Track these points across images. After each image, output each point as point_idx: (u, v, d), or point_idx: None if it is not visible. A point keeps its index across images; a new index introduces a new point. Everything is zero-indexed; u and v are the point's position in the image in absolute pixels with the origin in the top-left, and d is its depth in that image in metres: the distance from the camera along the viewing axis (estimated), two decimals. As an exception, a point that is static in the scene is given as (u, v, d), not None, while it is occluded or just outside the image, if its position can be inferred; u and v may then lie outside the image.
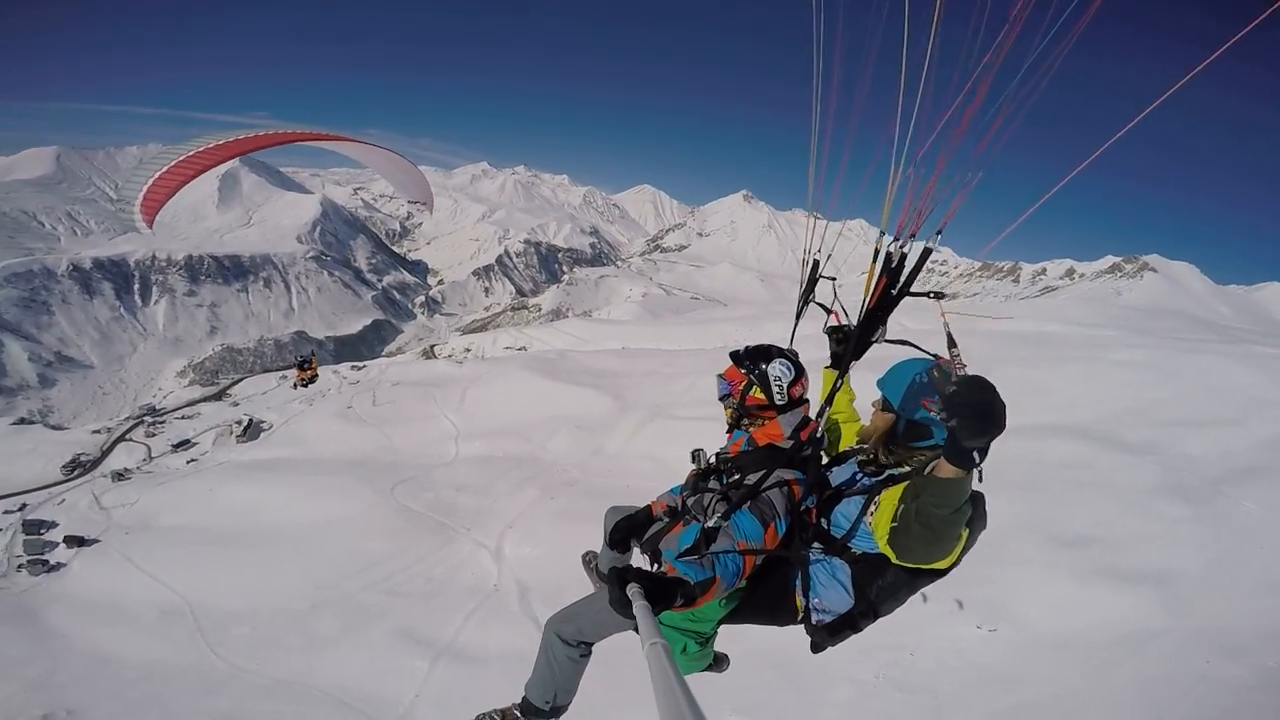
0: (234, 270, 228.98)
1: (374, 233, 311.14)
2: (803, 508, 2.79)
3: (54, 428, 64.80)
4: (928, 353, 2.79)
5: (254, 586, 29.09)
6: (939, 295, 2.76)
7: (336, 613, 25.37)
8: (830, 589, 2.73)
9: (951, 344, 2.63)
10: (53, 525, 36.68)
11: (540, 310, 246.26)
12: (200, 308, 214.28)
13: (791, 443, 2.94)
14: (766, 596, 2.87)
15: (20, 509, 39.08)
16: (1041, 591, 12.32)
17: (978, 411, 2.00)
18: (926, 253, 2.52)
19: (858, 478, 2.76)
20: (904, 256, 2.64)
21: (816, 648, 2.89)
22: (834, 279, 3.24)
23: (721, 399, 3.29)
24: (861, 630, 2.77)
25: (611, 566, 2.37)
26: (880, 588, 2.66)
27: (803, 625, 2.87)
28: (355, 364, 72.58)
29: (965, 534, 2.30)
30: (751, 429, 3.13)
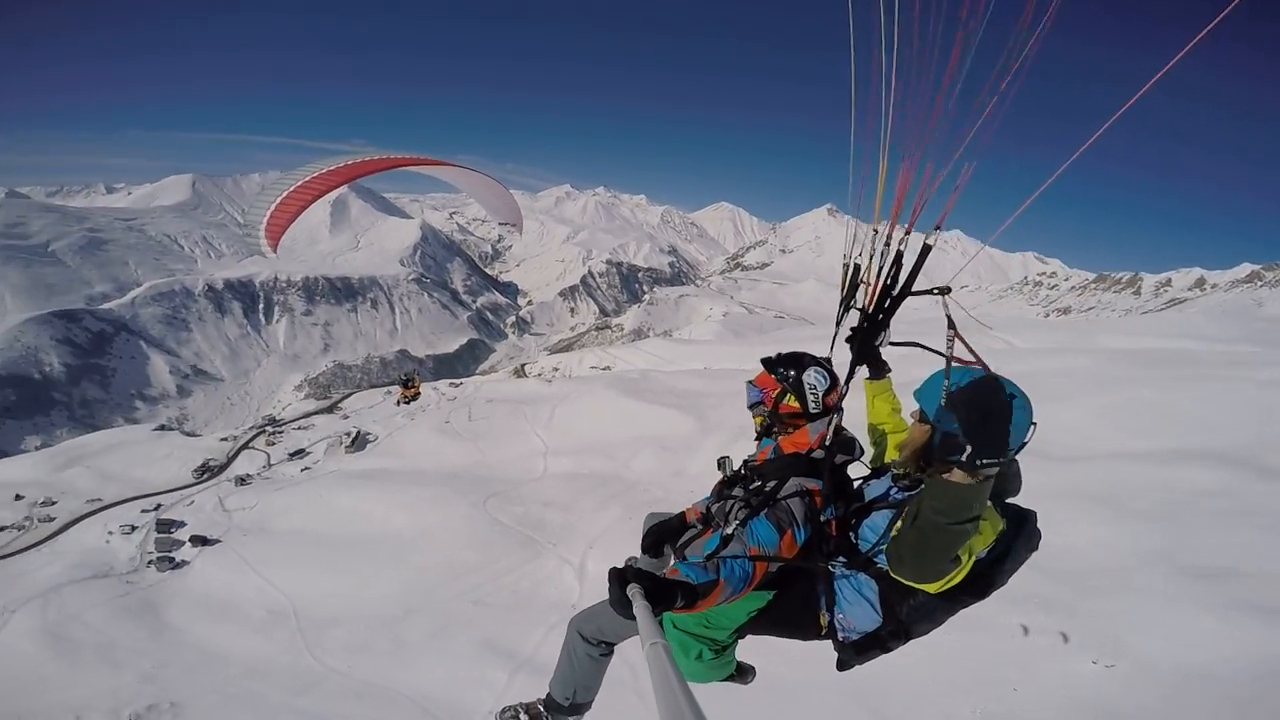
0: (344, 291, 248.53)
1: (468, 255, 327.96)
2: (823, 519, 2.72)
3: (188, 434, 71.86)
4: (936, 351, 2.64)
5: (353, 591, 30.62)
6: (944, 290, 2.65)
7: (426, 620, 26.66)
8: (855, 606, 2.64)
9: (950, 327, 2.55)
10: (182, 525, 40.42)
11: (623, 330, 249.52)
12: (315, 326, 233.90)
13: (820, 451, 2.89)
14: (789, 609, 2.80)
15: (155, 509, 43.46)
16: (1169, 625, 11.07)
17: (980, 413, 1.99)
18: (926, 249, 2.43)
19: (891, 491, 2.65)
20: (899, 255, 2.54)
21: (842, 665, 2.80)
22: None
23: (751, 407, 3.25)
24: (892, 650, 2.68)
25: (611, 567, 2.29)
26: (912, 607, 2.55)
27: (829, 641, 2.80)
28: (453, 381, 76.20)
29: (967, 561, 2.18)
30: (779, 437, 3.11)
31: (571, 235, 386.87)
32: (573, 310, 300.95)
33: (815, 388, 3.04)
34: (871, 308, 2.73)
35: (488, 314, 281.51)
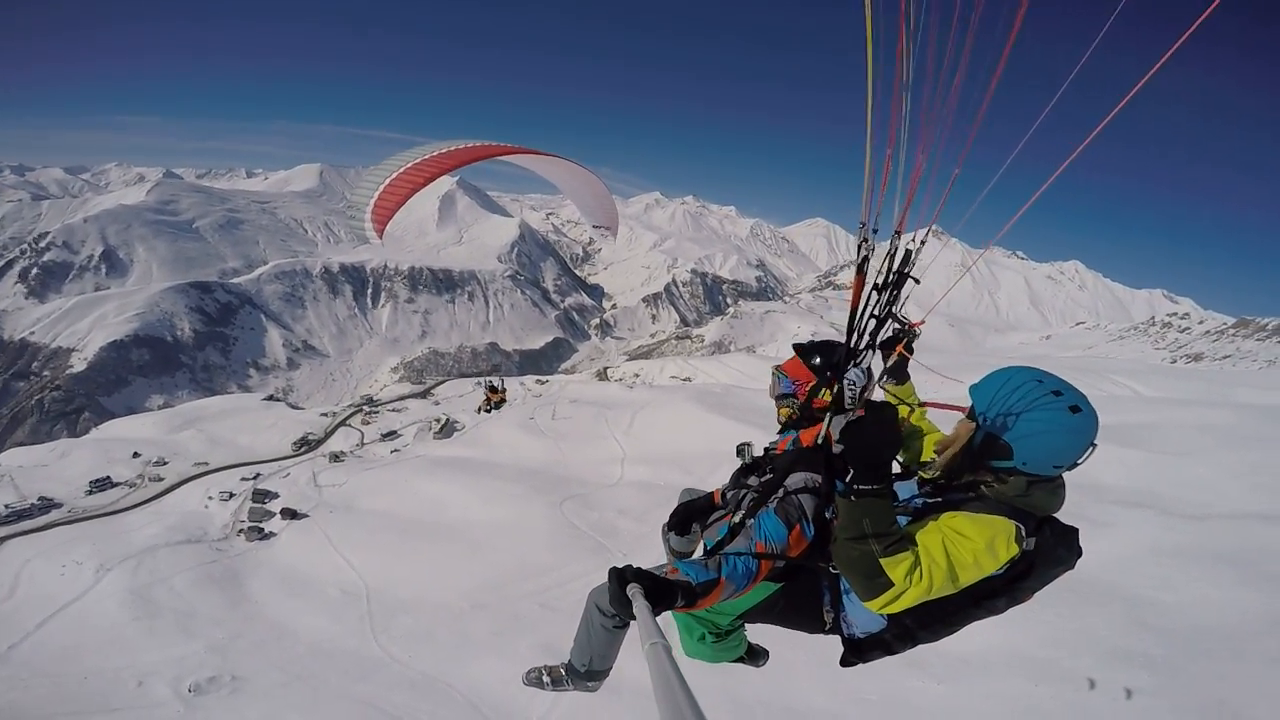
0: (445, 283, 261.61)
1: (561, 256, 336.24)
2: (827, 515, 2.61)
3: (293, 407, 76.54)
4: (903, 327, 2.75)
5: (425, 579, 30.85)
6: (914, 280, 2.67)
7: (492, 617, 26.45)
8: (860, 606, 2.47)
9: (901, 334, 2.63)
10: (275, 496, 41.89)
11: (703, 341, 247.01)
12: (416, 314, 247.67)
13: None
14: (794, 602, 2.75)
15: (255, 478, 45.32)
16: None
17: (858, 437, 2.14)
18: (907, 253, 2.56)
19: (914, 498, 2.53)
20: (892, 258, 2.60)
21: (846, 662, 2.74)
22: (918, 280, 2.73)
23: (780, 397, 3.19)
24: (897, 653, 2.60)
25: (611, 566, 2.22)
26: (919, 616, 2.44)
27: (835, 636, 2.72)
28: (539, 378, 77.47)
29: (910, 586, 2.08)
30: (802, 430, 3.04)
31: (658, 243, 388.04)
32: (654, 317, 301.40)
33: (855, 384, 2.81)
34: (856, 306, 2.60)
35: (574, 314, 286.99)
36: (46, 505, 42.93)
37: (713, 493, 3.44)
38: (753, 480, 3.01)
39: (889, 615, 2.49)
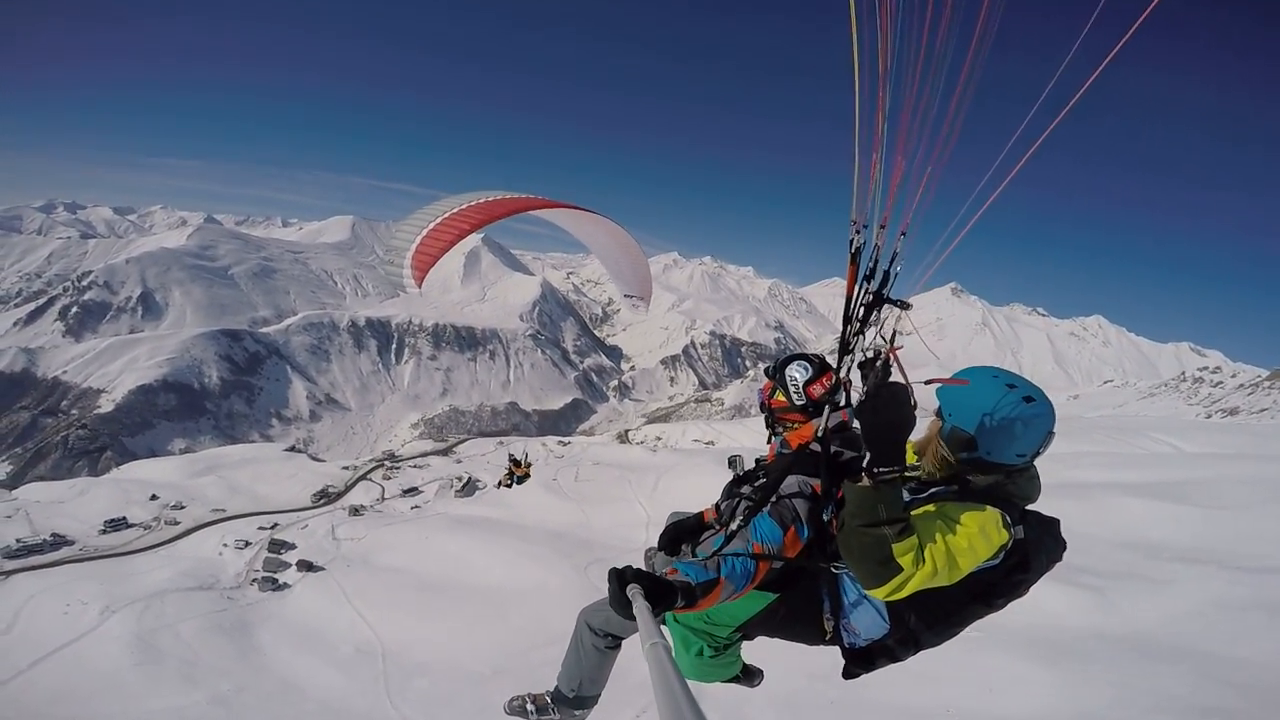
0: (468, 340, 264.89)
1: (580, 316, 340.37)
2: (825, 517, 2.65)
3: (314, 459, 76.41)
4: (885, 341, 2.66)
5: (444, 640, 28.94)
6: (905, 305, 2.70)
7: (514, 683, 25.14)
8: (861, 611, 2.58)
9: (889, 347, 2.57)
10: (291, 547, 40.76)
11: (723, 405, 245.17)
12: (438, 370, 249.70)
13: (818, 445, 2.81)
14: (793, 611, 2.75)
15: (272, 527, 44.28)
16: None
17: (880, 421, 2.13)
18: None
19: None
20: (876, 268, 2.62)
21: (849, 674, 2.75)
22: (909, 305, 2.74)
23: (760, 408, 3.26)
24: (902, 660, 2.61)
25: (611, 567, 2.21)
26: (920, 614, 2.47)
27: (836, 647, 2.73)
28: (560, 440, 76.71)
29: (916, 570, 2.10)
30: (786, 434, 3.10)
31: (677, 304, 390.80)
32: (672, 379, 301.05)
33: (795, 379, 3.03)
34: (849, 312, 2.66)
35: (593, 375, 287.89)
36: (58, 542, 42.44)
37: (703, 512, 3.43)
38: (745, 489, 3.03)
39: (891, 618, 2.52)
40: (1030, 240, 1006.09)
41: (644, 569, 2.23)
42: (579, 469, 55.92)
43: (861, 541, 2.14)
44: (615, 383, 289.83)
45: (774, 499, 2.70)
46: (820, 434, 2.72)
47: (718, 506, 3.24)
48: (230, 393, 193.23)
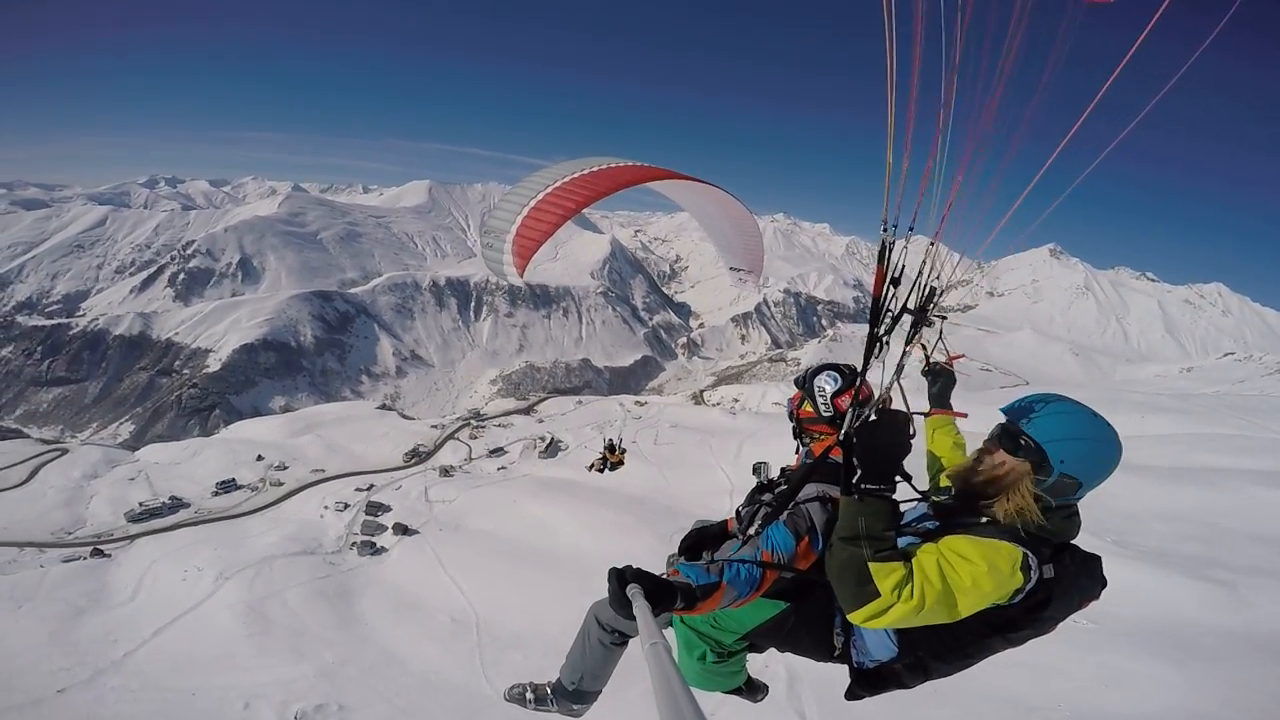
0: (542, 298, 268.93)
1: (649, 273, 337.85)
2: None
3: (404, 416, 79.41)
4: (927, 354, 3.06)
5: (536, 611, 29.11)
6: (927, 322, 2.70)
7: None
8: (872, 632, 2.52)
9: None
10: (387, 509, 41.74)
11: (799, 364, 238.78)
12: (514, 328, 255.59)
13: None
14: (802, 624, 2.72)
15: (368, 489, 45.62)
16: None
17: (873, 441, 2.19)
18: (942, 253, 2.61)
19: (924, 518, 2.53)
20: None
21: (852, 695, 2.66)
22: (944, 317, 2.81)
23: (789, 417, 3.25)
24: (910, 687, 2.55)
25: (611, 566, 2.20)
26: (933, 644, 2.40)
27: (845, 666, 2.69)
28: (637, 399, 76.19)
29: (897, 600, 2.04)
30: (812, 445, 3.08)
31: (728, 268, 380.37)
32: (744, 337, 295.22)
33: (824, 389, 3.00)
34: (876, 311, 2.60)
35: (661, 332, 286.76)
36: (176, 505, 45.18)
37: (726, 521, 3.36)
38: (767, 497, 2.97)
39: (900, 642, 2.46)
40: (1140, 203, 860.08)
41: (644, 570, 2.20)
42: (658, 431, 55.27)
43: (839, 557, 2.12)
44: (684, 340, 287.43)
45: (791, 507, 2.64)
46: (841, 440, 2.58)
47: (738, 513, 3.16)
48: (324, 350, 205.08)
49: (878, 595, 2.02)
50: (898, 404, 2.72)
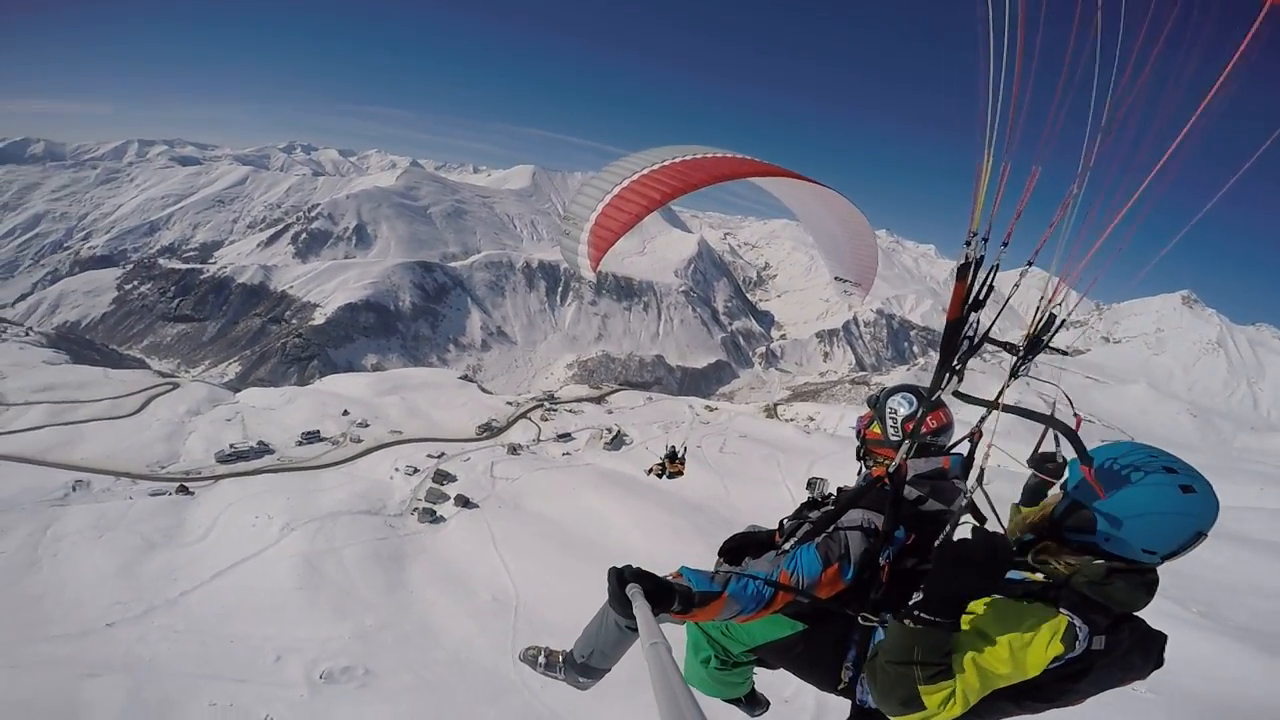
0: (625, 290, 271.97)
1: (734, 278, 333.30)
2: (880, 561, 2.47)
3: (484, 390, 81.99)
4: (1037, 416, 2.38)
5: (577, 603, 30.25)
6: (1014, 349, 2.50)
7: (634, 660, 24.87)
8: None
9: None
10: (453, 480, 42.60)
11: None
12: (596, 316, 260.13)
13: (915, 494, 2.63)
14: (814, 649, 2.63)
15: (439, 456, 46.91)
16: None
17: (946, 565, 1.94)
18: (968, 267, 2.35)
19: None
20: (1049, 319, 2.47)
21: None
22: (1065, 352, 2.58)
23: (904, 452, 2.84)
24: None
25: (611, 566, 2.17)
26: None
27: (847, 700, 2.63)
28: (708, 404, 75.29)
29: (935, 712, 1.96)
30: (872, 468, 3.00)
31: (834, 278, 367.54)
32: (826, 355, 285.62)
33: (895, 411, 2.87)
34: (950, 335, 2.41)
35: (740, 339, 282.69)
36: (262, 450, 47.26)
37: (775, 530, 3.26)
38: (814, 514, 2.87)
39: None
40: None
41: (645, 570, 2.17)
42: (725, 439, 54.19)
43: (887, 677, 2.01)
44: (763, 349, 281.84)
45: (831, 530, 2.52)
46: (893, 469, 2.54)
47: (781, 524, 3.08)
48: (419, 317, 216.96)
49: (923, 709, 1.95)
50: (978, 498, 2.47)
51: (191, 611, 27.14)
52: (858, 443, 3.07)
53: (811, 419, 76.72)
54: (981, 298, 2.36)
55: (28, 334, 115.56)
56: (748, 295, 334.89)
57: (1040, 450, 2.67)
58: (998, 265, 2.37)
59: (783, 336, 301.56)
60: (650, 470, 10.53)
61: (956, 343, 2.36)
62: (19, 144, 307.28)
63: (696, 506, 40.74)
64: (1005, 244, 2.29)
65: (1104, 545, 2.01)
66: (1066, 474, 2.19)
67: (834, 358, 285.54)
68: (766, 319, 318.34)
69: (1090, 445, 2.14)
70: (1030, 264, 2.41)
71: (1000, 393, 2.70)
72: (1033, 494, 2.63)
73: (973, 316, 2.37)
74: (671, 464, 14.88)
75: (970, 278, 2.37)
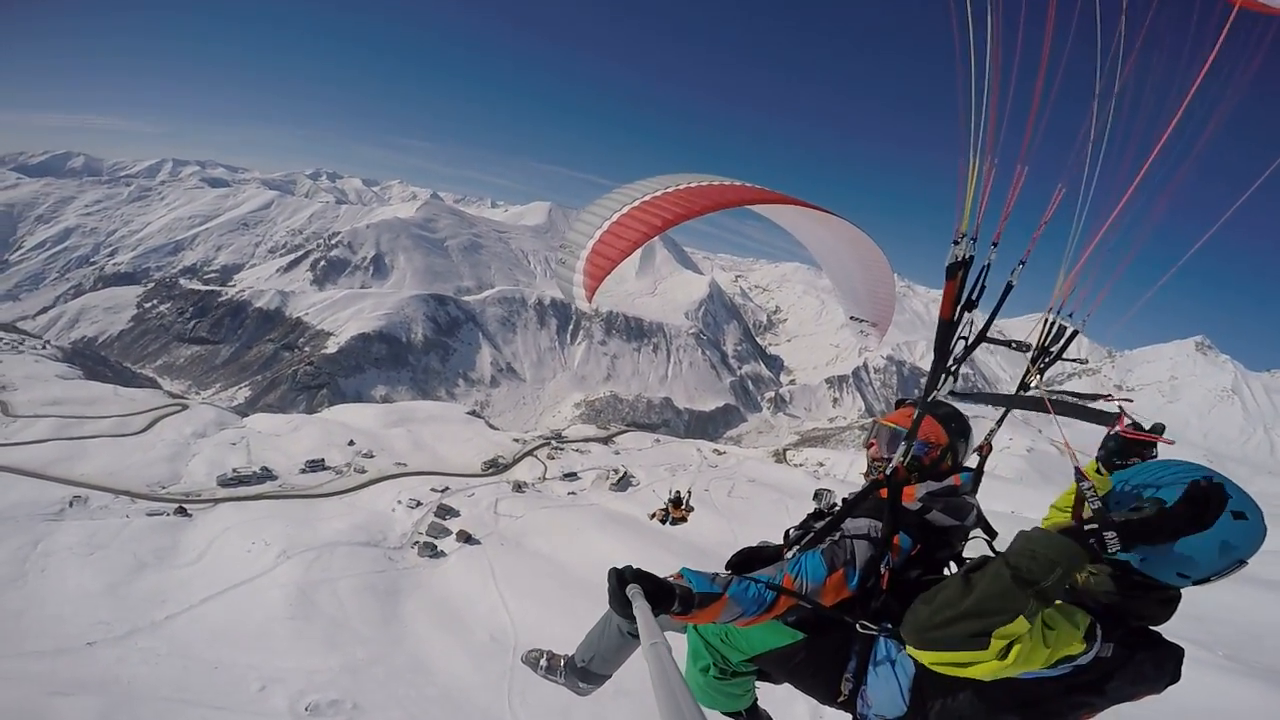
0: (635, 331, 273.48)
1: (744, 320, 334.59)
2: (882, 568, 2.47)
3: (491, 426, 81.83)
4: (1092, 409, 2.42)
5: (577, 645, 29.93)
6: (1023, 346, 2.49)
7: (633, 706, 22.96)
8: (883, 684, 2.37)
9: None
10: (456, 515, 41.81)
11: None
12: (605, 356, 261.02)
13: (919, 504, 2.61)
14: (814, 658, 2.59)
15: (443, 490, 46.23)
16: None
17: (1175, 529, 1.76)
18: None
19: None
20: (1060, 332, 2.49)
21: None
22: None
23: (900, 455, 2.74)
24: None
25: (611, 567, 2.18)
26: (946, 708, 2.21)
27: (847, 713, 2.59)
28: (716, 448, 74.49)
29: (994, 660, 1.81)
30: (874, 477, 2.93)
31: (849, 318, 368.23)
32: (835, 401, 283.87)
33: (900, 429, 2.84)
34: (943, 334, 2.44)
35: (749, 383, 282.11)
36: (264, 476, 46.63)
37: (783, 545, 3.12)
38: (819, 524, 2.81)
39: (912, 702, 2.31)
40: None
41: (645, 570, 2.17)
42: (734, 484, 53.42)
43: (995, 589, 1.76)
44: (772, 394, 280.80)
45: (837, 536, 2.50)
46: (889, 473, 2.57)
47: (786, 534, 3.03)
48: (430, 350, 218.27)
49: (983, 649, 1.78)
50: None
51: (176, 635, 26.67)
52: (911, 468, 2.93)
53: (821, 464, 75.68)
54: (974, 298, 2.32)
55: (44, 347, 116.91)
56: (757, 339, 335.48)
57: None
58: (989, 265, 2.33)
59: (792, 381, 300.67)
60: (654, 515, 10.13)
61: (950, 344, 2.33)
62: (60, 157, 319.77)
63: (703, 551, 39.82)
64: (995, 244, 2.27)
65: (1137, 564, 1.90)
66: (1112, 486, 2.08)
67: (843, 404, 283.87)
68: (776, 363, 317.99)
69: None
70: (1023, 263, 2.39)
71: (1022, 386, 2.74)
72: (1113, 456, 2.49)
73: (966, 316, 2.33)
74: (675, 509, 14.26)
75: (960, 278, 2.33)
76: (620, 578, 2.10)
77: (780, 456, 79.19)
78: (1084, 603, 1.96)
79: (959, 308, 2.32)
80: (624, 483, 51.93)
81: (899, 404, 3.11)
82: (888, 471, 2.59)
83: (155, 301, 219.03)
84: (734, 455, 69.28)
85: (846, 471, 70.96)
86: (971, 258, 2.30)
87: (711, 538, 42.18)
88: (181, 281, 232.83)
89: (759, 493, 51.69)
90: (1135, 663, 1.95)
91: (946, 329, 2.35)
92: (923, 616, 1.90)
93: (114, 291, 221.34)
